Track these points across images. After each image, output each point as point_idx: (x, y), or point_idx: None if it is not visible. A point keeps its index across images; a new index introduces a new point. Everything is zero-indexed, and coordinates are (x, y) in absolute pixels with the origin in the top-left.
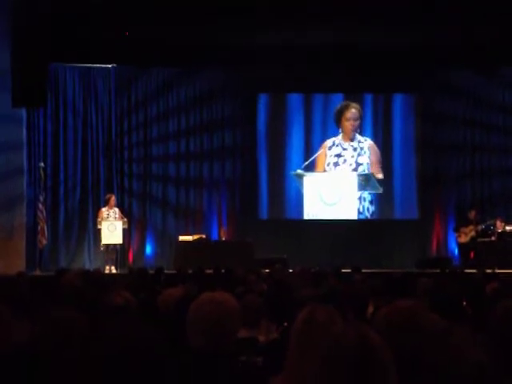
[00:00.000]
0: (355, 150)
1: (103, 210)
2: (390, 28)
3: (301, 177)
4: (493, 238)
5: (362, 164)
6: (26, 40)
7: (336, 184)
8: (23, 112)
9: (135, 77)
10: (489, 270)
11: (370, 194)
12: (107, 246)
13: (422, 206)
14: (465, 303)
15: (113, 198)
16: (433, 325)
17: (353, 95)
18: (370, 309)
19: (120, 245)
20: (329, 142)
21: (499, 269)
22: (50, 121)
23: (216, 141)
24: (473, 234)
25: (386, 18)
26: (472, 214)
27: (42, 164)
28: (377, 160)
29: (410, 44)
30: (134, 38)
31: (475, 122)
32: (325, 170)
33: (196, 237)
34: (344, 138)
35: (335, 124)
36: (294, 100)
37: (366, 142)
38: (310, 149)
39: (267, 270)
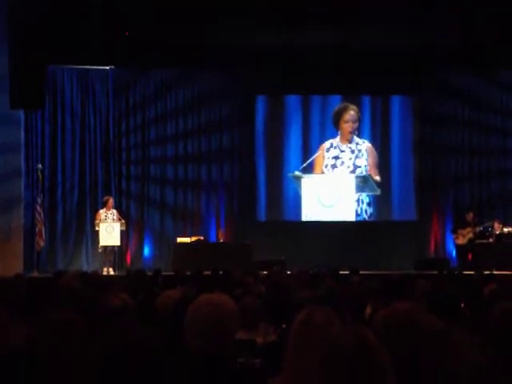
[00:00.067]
0: (353, 152)
1: (101, 211)
2: (389, 30)
3: (299, 178)
4: (490, 240)
5: (359, 166)
6: (24, 42)
7: (334, 186)
8: (21, 114)
9: (133, 79)
10: (486, 272)
11: (367, 195)
12: (105, 247)
13: (419, 207)
14: (463, 305)
15: (111, 200)
16: (431, 326)
17: (351, 97)
18: (368, 310)
19: (118, 246)
20: (327, 144)
21: (497, 270)
22: (48, 123)
23: (214, 143)
24: (471, 235)
25: (385, 20)
26: (470, 216)
27: (39, 166)
28: (374, 162)
29: (408, 46)
30: (133, 39)
31: (473, 124)
32: (323, 172)
33: (194, 238)
34: (342, 140)
35: (333, 126)
36: (292, 101)
37: (364, 144)
38: (308, 150)
39: (265, 272)
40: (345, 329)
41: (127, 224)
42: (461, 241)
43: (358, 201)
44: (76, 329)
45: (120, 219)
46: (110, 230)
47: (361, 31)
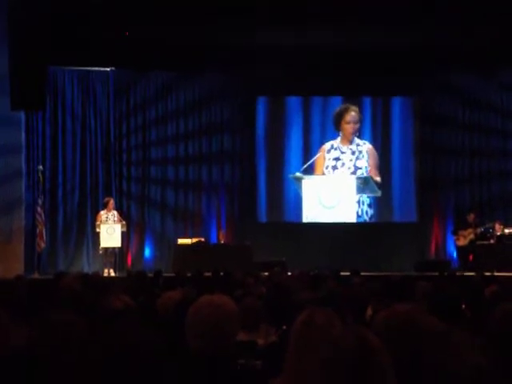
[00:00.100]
0: (353, 153)
1: (102, 213)
2: (389, 30)
3: (299, 180)
4: (491, 241)
5: (360, 168)
6: (24, 42)
7: (335, 187)
8: (22, 115)
9: (134, 80)
10: (487, 273)
11: (368, 197)
12: (106, 249)
13: (420, 209)
14: (463, 306)
15: (111, 202)
16: (431, 328)
17: (351, 98)
18: (369, 312)
19: (119, 248)
20: (327, 146)
21: (498, 272)
22: (49, 124)
23: (215, 144)
24: (472, 236)
25: (385, 20)
26: (471, 217)
27: (40, 167)
28: (375, 163)
29: (408, 46)
30: (133, 39)
31: (474, 125)
32: (323, 174)
33: (195, 240)
34: (343, 141)
35: (334, 127)
36: (293, 103)
37: (365, 146)
38: (308, 152)
39: (266, 273)
40: (346, 330)
41: (128, 225)
42: (462, 242)
43: (358, 202)
44: (77, 330)
45: (121, 220)
46: (110, 232)
47: (361, 31)
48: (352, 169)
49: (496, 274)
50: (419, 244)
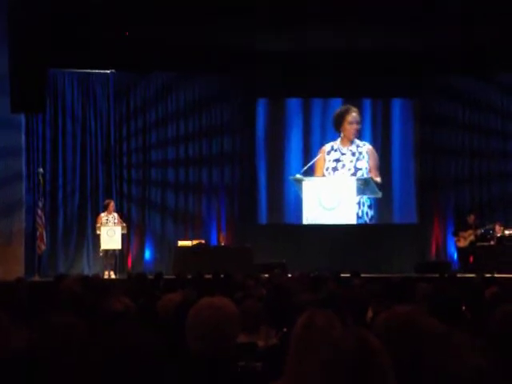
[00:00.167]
0: (354, 154)
1: (102, 215)
2: (389, 33)
3: (300, 181)
4: (492, 243)
5: (360, 169)
6: (24, 44)
7: (335, 189)
8: (22, 118)
9: (134, 82)
10: (488, 275)
11: (368, 198)
12: (106, 251)
13: (420, 210)
14: (464, 308)
15: (112, 204)
16: (432, 329)
17: (351, 100)
18: (370, 313)
19: (119, 250)
20: (327, 147)
21: (498, 273)
22: (49, 126)
23: (215, 146)
24: (472, 238)
25: (385, 23)
26: (471, 219)
27: (40, 170)
28: (375, 164)
29: (408, 48)
30: (133, 40)
31: (474, 127)
32: (324, 175)
33: (195, 242)
34: (343, 143)
35: (335, 128)
36: (293, 104)
37: (365, 147)
38: (308, 153)
39: (266, 275)
40: (346, 332)
41: (128, 227)
42: (462, 243)
43: (359, 203)
44: (77, 332)
45: (121, 223)
46: (111, 234)
47: (361, 33)
48: (352, 170)
49: (496, 275)
50: (419, 245)
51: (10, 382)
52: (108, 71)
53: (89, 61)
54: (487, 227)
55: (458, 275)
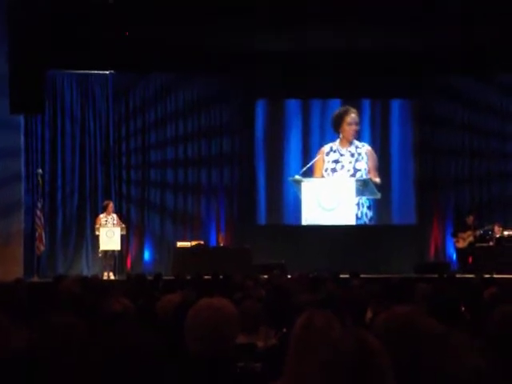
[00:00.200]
0: (353, 155)
1: (101, 216)
2: (388, 33)
3: (299, 182)
4: (491, 243)
5: (359, 170)
6: (23, 46)
7: (334, 189)
8: (21, 118)
9: (133, 83)
10: (487, 275)
11: (368, 199)
12: (105, 252)
13: (420, 211)
14: (463, 308)
15: (111, 205)
16: (431, 330)
17: (350, 101)
18: (369, 314)
19: (118, 251)
20: (326, 148)
21: (497, 274)
22: (48, 127)
23: (214, 147)
24: (471, 239)
25: (384, 23)
26: (470, 219)
27: (39, 170)
28: (374, 165)
29: (408, 48)
30: (133, 41)
31: (473, 127)
32: (323, 176)
33: (194, 243)
34: (342, 143)
35: (334, 129)
36: (292, 105)
37: (364, 148)
38: (307, 154)
39: (265, 276)
40: (345, 333)
41: (127, 228)
42: (461, 244)
43: (358, 204)
44: (77, 333)
45: (120, 223)
46: (110, 235)
47: (360, 33)
48: (351, 171)
49: (495, 276)
50: (419, 246)
51: (10, 382)
52: (107, 72)
53: (88, 62)
54: (486, 228)
55: (457, 276)
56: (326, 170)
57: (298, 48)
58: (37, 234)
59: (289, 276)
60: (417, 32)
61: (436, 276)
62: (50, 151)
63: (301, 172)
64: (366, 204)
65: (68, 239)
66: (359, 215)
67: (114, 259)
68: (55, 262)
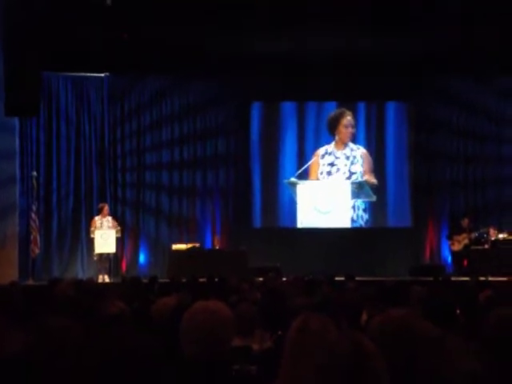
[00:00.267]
0: (348, 158)
1: (96, 218)
2: (384, 37)
3: (294, 185)
4: (486, 246)
5: (355, 173)
6: (18, 48)
7: (329, 192)
8: (16, 121)
9: (128, 86)
10: (482, 278)
11: (363, 202)
12: (100, 254)
13: (415, 213)
14: (458, 311)
15: (106, 207)
16: (426, 333)
17: (346, 103)
18: (364, 317)
19: (113, 254)
20: (321, 151)
21: (492, 277)
22: (43, 130)
23: (209, 149)
24: (466, 241)
25: (381, 26)
26: (465, 222)
27: (34, 173)
28: (369, 168)
29: (404, 52)
30: (128, 42)
31: (468, 131)
32: (318, 179)
33: (189, 245)
34: (337, 146)
35: (329, 131)
36: (288, 108)
37: (359, 151)
38: (303, 157)
39: (261, 279)
40: (341, 336)
41: (122, 231)
42: (456, 247)
43: (353, 207)
44: (72, 336)
45: (115, 226)
46: (105, 237)
47: (355, 39)
48: (347, 174)
49: (490, 278)
50: (414, 249)
51: None
52: (102, 74)
53: (83, 64)
54: (481, 231)
55: (452, 279)
56: (321, 173)
57: (293, 51)
58: (32, 237)
59: (284, 279)
60: (413, 35)
61: (431, 279)
62: (45, 154)
63: (296, 174)
64: (362, 207)
65: (63, 242)
66: (355, 218)
67: (109, 262)
68: (50, 265)
